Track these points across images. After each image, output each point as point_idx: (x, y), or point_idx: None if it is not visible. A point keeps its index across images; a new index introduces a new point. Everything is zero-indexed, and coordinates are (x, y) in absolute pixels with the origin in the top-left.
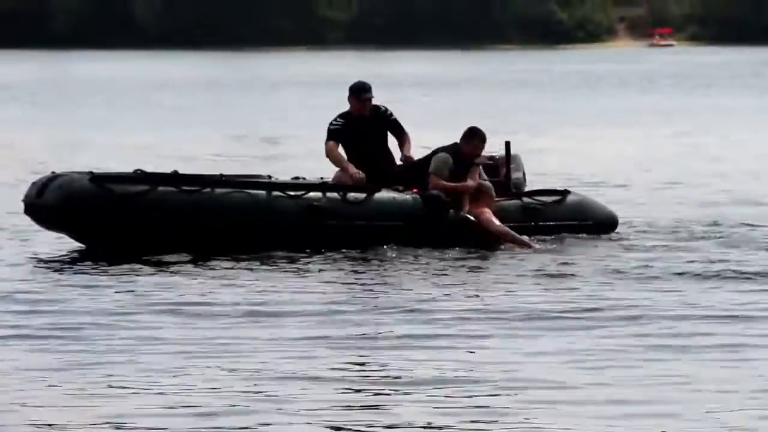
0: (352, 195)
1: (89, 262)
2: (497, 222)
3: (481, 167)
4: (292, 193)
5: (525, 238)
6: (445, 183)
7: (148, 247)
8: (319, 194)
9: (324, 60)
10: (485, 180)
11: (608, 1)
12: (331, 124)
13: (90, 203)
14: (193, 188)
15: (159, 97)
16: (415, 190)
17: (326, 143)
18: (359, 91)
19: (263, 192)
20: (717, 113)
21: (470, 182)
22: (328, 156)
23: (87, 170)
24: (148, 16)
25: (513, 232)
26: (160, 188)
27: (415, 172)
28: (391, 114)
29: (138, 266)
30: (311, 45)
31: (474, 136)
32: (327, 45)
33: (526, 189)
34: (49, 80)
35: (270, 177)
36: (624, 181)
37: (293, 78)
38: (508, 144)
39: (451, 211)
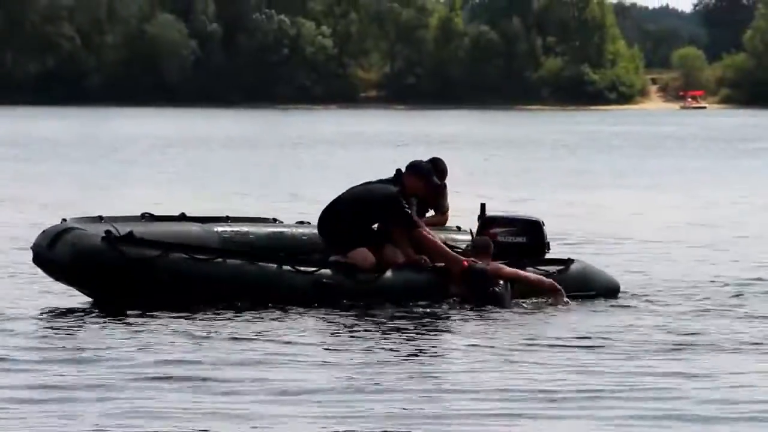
0: (362, 275)
1: (98, 314)
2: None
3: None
4: (302, 268)
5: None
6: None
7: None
8: (328, 271)
9: (356, 119)
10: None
11: (641, 63)
12: (407, 207)
13: (101, 264)
14: (204, 257)
15: (188, 152)
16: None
17: (422, 229)
18: (429, 177)
19: (273, 265)
20: (743, 175)
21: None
22: (434, 247)
23: (96, 215)
24: (180, 75)
25: (523, 273)
26: (172, 255)
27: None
28: None
29: (146, 322)
30: (343, 104)
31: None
32: (358, 103)
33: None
34: (84, 136)
35: (275, 220)
36: (638, 242)
37: (324, 136)
38: (483, 206)
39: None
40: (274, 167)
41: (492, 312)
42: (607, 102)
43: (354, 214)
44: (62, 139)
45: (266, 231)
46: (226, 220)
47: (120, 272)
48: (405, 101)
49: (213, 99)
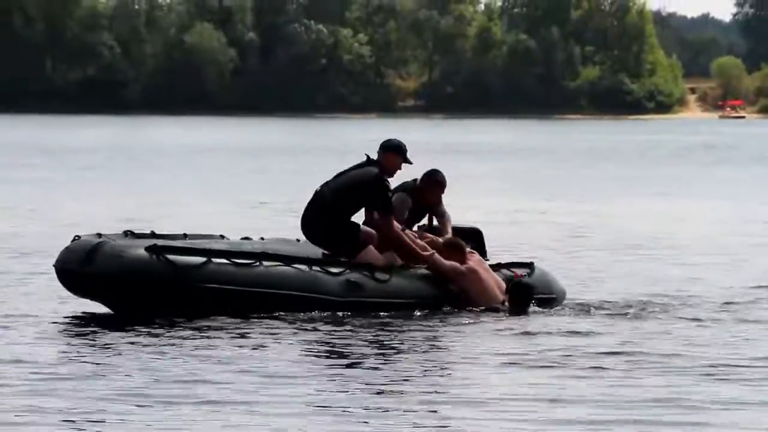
0: (380, 274)
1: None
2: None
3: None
4: (331, 269)
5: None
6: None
7: (190, 316)
8: (355, 272)
9: (393, 128)
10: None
11: (679, 72)
12: (389, 190)
13: (152, 275)
14: (245, 261)
15: (226, 161)
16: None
17: (392, 219)
18: (406, 155)
19: (306, 267)
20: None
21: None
22: (398, 240)
23: (95, 232)
24: (219, 84)
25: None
26: (216, 261)
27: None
28: None
29: (167, 335)
30: (381, 113)
31: (435, 183)
32: (397, 113)
33: (491, 262)
34: (121, 145)
35: (222, 237)
36: (654, 251)
37: (363, 144)
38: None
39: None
40: (308, 176)
41: (502, 317)
42: (646, 111)
43: (344, 200)
44: (97, 148)
45: (223, 247)
46: (184, 237)
47: (170, 282)
48: (443, 110)
49: (251, 108)
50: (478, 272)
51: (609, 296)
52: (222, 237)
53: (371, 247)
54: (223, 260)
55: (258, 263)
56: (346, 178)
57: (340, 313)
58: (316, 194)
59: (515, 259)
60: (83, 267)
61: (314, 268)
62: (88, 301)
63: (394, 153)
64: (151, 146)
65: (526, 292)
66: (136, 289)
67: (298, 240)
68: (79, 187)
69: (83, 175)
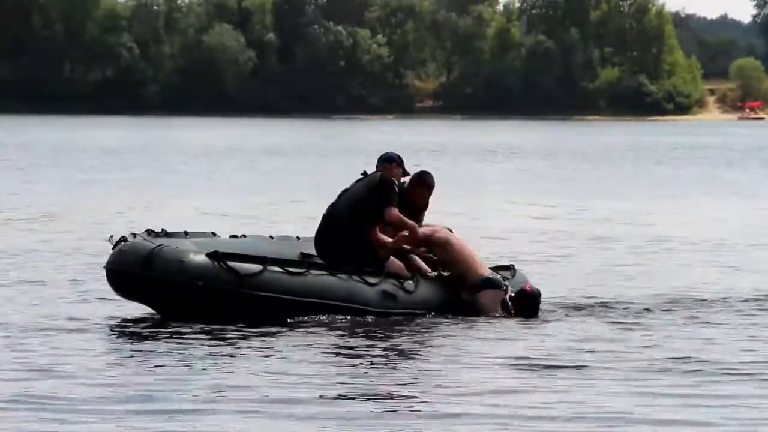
0: (407, 283)
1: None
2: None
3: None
4: (369, 279)
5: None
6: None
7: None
8: (387, 281)
9: (411, 128)
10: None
11: (698, 73)
12: (395, 185)
13: (215, 280)
14: (295, 270)
15: (245, 161)
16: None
17: (391, 209)
18: (404, 165)
19: (346, 276)
20: None
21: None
22: (399, 221)
23: (130, 232)
24: (237, 85)
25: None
26: (270, 269)
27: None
28: None
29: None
30: (400, 114)
31: (421, 183)
32: (415, 114)
33: None
34: (141, 145)
35: (214, 234)
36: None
37: (382, 146)
38: None
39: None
40: (323, 177)
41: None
42: (665, 112)
43: (355, 214)
44: (116, 148)
45: (218, 243)
46: (185, 235)
47: (231, 289)
48: (461, 111)
49: (270, 109)
50: (454, 236)
51: (618, 298)
52: (213, 234)
53: (393, 259)
54: (276, 268)
55: (307, 272)
56: (352, 192)
57: (351, 318)
58: (326, 216)
59: (504, 260)
60: (143, 271)
61: (354, 277)
62: (115, 303)
63: (394, 164)
64: (170, 147)
65: (534, 301)
66: (198, 295)
67: (271, 237)
68: (96, 187)
69: (101, 176)
